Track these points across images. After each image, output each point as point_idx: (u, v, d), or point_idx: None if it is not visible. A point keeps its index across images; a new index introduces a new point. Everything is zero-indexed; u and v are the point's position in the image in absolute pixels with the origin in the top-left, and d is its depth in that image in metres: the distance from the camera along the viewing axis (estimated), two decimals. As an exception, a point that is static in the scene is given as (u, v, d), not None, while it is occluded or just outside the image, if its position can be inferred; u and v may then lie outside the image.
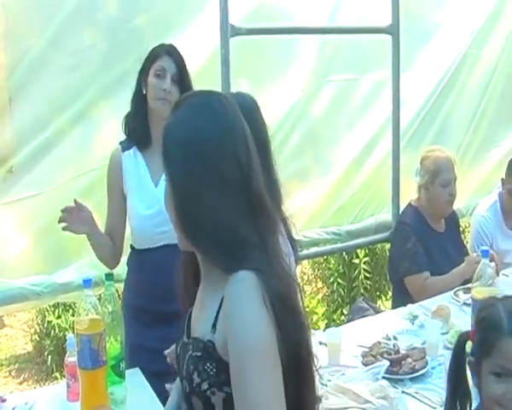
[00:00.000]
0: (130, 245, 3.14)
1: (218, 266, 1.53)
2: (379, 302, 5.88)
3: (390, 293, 5.71)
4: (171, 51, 2.99)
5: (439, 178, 3.92)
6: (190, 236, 1.55)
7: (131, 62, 3.69)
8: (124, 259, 3.20)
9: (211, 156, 1.52)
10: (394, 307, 3.95)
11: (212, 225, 1.50)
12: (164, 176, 2.88)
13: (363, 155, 4.62)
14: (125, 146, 3.06)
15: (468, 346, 1.99)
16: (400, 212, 4.30)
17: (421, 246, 3.88)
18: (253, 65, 4.17)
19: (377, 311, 3.91)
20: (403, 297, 3.83)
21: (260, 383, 1.41)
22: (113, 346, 2.51)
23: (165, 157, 1.58)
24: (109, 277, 2.54)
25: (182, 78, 2.96)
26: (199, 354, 1.54)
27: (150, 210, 2.95)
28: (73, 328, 2.49)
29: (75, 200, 2.93)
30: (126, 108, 3.62)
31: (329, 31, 4.36)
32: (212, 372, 1.50)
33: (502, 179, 4.30)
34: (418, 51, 4.72)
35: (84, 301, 2.41)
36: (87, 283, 2.42)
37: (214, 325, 1.51)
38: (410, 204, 4.10)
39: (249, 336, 1.44)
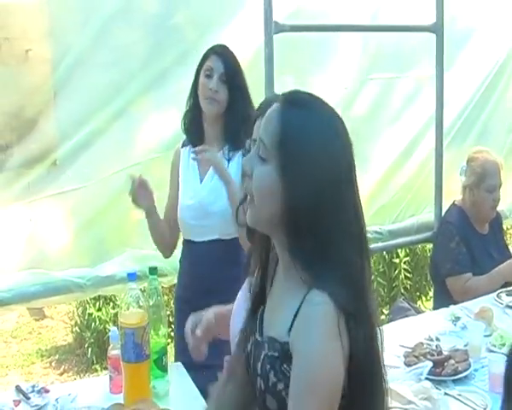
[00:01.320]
0: (183, 241, 3.24)
1: (306, 273, 1.49)
2: (419, 303, 5.84)
3: (430, 293, 5.69)
4: (219, 51, 3.03)
5: (485, 183, 3.87)
6: (295, 237, 1.49)
7: (171, 60, 3.76)
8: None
9: (341, 183, 1.49)
10: (436, 307, 3.91)
11: (326, 242, 1.47)
12: (210, 172, 2.96)
13: (405, 154, 4.59)
14: (185, 142, 3.18)
15: None
16: (444, 211, 4.25)
17: (464, 246, 3.83)
18: (296, 62, 4.17)
19: (418, 311, 3.87)
20: (444, 298, 3.79)
21: None
22: (156, 340, 2.53)
23: (283, 152, 1.49)
24: (153, 271, 2.56)
25: (231, 77, 2.99)
26: (276, 354, 1.52)
27: (190, 202, 3.08)
28: (116, 321, 2.51)
29: (140, 176, 3.00)
30: (167, 104, 3.69)
31: (373, 28, 4.35)
32: (288, 374, 1.48)
33: None
34: (461, 50, 4.67)
35: (129, 295, 2.43)
36: (132, 276, 2.44)
37: (290, 329, 1.49)
38: (454, 204, 4.05)
39: (311, 367, 1.44)
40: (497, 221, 4.10)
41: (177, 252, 3.39)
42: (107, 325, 5.20)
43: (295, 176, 1.47)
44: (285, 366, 1.49)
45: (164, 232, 3.19)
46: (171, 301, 5.40)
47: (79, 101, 3.62)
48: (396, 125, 4.56)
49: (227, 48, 3.07)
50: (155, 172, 3.74)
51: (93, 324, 5.33)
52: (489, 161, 3.91)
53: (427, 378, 2.64)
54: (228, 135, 3.03)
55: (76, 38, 3.59)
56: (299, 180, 1.46)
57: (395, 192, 4.60)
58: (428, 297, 5.85)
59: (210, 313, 2.31)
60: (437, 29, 4.19)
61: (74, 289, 3.59)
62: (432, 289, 5.35)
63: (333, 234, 1.46)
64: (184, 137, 3.19)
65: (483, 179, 3.87)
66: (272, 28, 3.68)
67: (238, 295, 2.42)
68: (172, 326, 3.54)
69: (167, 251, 3.29)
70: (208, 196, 3.02)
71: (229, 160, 3.01)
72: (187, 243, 3.18)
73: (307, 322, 1.45)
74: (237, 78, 3.01)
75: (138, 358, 2.39)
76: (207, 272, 3.04)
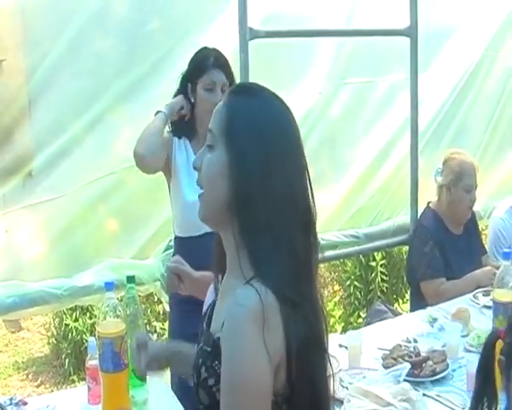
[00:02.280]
0: (174, 238, 3.20)
1: (248, 261, 1.48)
2: (396, 305, 5.86)
3: (407, 296, 5.71)
4: (219, 63, 3.06)
5: (462, 181, 3.90)
6: (239, 219, 1.49)
7: (147, 67, 3.73)
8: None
9: (283, 157, 1.50)
10: (412, 309, 3.95)
11: (267, 216, 1.46)
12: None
13: (381, 157, 4.62)
14: (175, 134, 3.17)
15: (498, 345, 1.97)
16: (419, 213, 4.28)
17: (438, 250, 3.85)
18: (271, 68, 4.17)
19: (396, 313, 3.90)
20: (421, 300, 3.83)
21: None
22: (135, 349, 2.52)
23: (229, 134, 1.50)
24: (131, 279, 2.54)
25: (231, 84, 3.04)
26: (209, 349, 1.52)
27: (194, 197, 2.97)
28: (93, 331, 2.50)
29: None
30: (144, 112, 3.66)
31: (347, 33, 4.37)
32: (219, 371, 1.47)
33: None
34: (435, 53, 4.71)
35: (106, 304, 2.41)
36: (109, 285, 2.43)
37: (222, 325, 1.47)
38: (428, 206, 4.08)
39: (231, 370, 1.42)
40: (471, 222, 4.12)
41: (153, 260, 3.38)
42: (84, 336, 5.17)
43: (241, 153, 1.49)
44: (216, 362, 1.48)
45: None
46: (149, 310, 5.41)
47: (54, 110, 3.59)
48: (371, 128, 4.58)
49: (221, 53, 3.10)
50: (131, 181, 3.74)
51: (70, 334, 5.29)
52: (466, 162, 3.96)
53: (405, 380, 2.65)
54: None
55: (50, 46, 3.56)
56: (245, 157, 1.48)
57: (371, 195, 4.62)
58: (405, 300, 5.87)
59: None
60: (411, 33, 4.22)
61: (51, 299, 3.55)
62: (408, 292, 5.40)
63: (279, 210, 1.47)
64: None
65: (461, 178, 3.90)
66: (247, 34, 3.69)
67: (210, 287, 2.43)
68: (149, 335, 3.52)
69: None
70: None
71: None
72: (184, 240, 3.14)
73: (230, 322, 1.43)
74: (235, 82, 3.08)
75: (117, 367, 2.38)
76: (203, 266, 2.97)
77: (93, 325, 5.01)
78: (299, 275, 1.47)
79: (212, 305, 1.68)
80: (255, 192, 1.46)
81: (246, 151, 1.48)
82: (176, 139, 3.16)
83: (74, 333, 5.25)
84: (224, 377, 1.43)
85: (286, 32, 4.04)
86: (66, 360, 5.28)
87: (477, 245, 4.12)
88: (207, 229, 2.86)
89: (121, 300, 2.68)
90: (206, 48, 3.16)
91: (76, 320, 5.27)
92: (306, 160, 1.56)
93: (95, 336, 2.49)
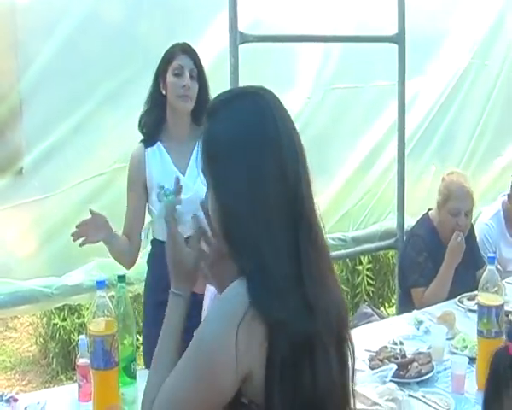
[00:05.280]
0: (152, 241, 3.17)
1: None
2: (381, 309, 5.90)
3: (393, 300, 5.76)
4: (186, 49, 3.06)
5: (448, 204, 3.84)
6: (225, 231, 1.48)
7: (136, 69, 3.76)
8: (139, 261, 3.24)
9: (256, 161, 1.45)
10: (399, 312, 3.98)
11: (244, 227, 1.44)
12: (191, 164, 2.93)
13: (368, 162, 4.67)
14: (148, 143, 3.12)
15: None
16: (406, 217, 4.31)
17: (431, 261, 3.84)
18: (260, 73, 4.22)
19: (382, 316, 3.94)
20: (409, 304, 3.84)
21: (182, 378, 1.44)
22: (125, 347, 2.54)
23: (209, 167, 1.50)
24: (121, 279, 2.57)
25: (200, 73, 3.05)
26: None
27: (184, 196, 2.92)
28: (81, 331, 2.52)
29: (90, 209, 2.96)
30: (133, 113, 3.68)
31: (336, 39, 4.42)
32: None
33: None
34: (423, 60, 4.78)
35: (97, 303, 2.44)
36: (100, 284, 2.45)
37: None
38: (427, 214, 4.04)
39: (203, 331, 1.44)
40: (469, 236, 4.00)
41: (143, 260, 3.40)
42: (72, 335, 5.16)
43: (221, 186, 1.47)
44: None
45: (125, 248, 3.12)
46: (136, 311, 5.41)
47: (45, 110, 3.63)
48: (359, 133, 4.64)
49: (190, 45, 3.09)
50: (120, 182, 3.75)
51: (58, 334, 5.28)
52: (454, 183, 3.88)
53: (391, 381, 2.68)
54: (201, 127, 3.02)
55: (41, 47, 3.60)
56: (227, 188, 1.46)
57: (358, 199, 4.67)
58: (391, 303, 5.92)
59: None
60: (399, 39, 4.27)
61: (41, 298, 3.58)
62: (394, 296, 5.44)
63: (269, 228, 1.43)
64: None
65: (447, 200, 3.85)
66: (238, 38, 3.73)
67: (206, 298, 2.46)
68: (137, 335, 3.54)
69: (131, 263, 3.22)
70: (200, 189, 2.87)
71: None
72: (160, 242, 3.03)
73: (212, 307, 1.48)
74: (204, 72, 3.07)
75: (107, 365, 2.40)
76: None
77: (81, 324, 5.01)
78: (290, 287, 1.43)
79: None
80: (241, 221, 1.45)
81: (226, 183, 1.46)
82: (148, 152, 3.10)
83: (62, 333, 5.24)
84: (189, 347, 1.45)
85: (275, 36, 4.08)
86: (54, 360, 5.28)
87: (472, 260, 4.02)
88: (189, 233, 2.91)
89: (112, 299, 2.71)
90: (176, 42, 3.16)
91: (64, 320, 5.27)
92: (302, 159, 1.52)
93: (85, 334, 2.51)
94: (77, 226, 2.93)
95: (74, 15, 3.64)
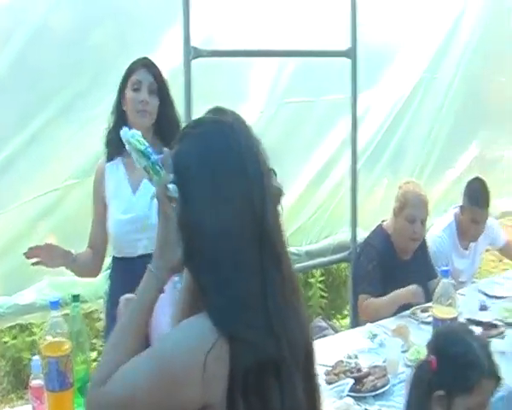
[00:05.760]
0: (112, 257, 3.16)
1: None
2: (334, 320, 5.93)
3: (345, 311, 5.80)
4: (146, 63, 3.04)
5: (405, 211, 3.92)
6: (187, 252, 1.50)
7: (88, 82, 3.72)
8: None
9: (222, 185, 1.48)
10: (353, 323, 4.01)
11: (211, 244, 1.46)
12: (144, 182, 2.91)
13: (321, 176, 4.69)
14: (109, 156, 3.10)
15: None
16: (359, 231, 4.34)
17: (381, 272, 3.88)
18: (214, 87, 4.21)
19: (336, 329, 3.96)
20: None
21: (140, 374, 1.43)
22: (80, 367, 2.51)
23: (176, 177, 1.51)
24: (76, 298, 2.55)
25: (160, 88, 3.02)
26: None
27: (126, 215, 2.98)
28: (32, 349, 2.48)
29: (46, 243, 2.94)
30: (86, 127, 3.64)
31: (289, 54, 4.43)
32: None
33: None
34: (376, 73, 4.84)
35: (51, 322, 2.41)
36: (54, 304, 2.42)
37: None
38: (381, 226, 4.09)
39: (166, 341, 1.47)
40: (421, 248, 4.11)
41: (96, 279, 3.37)
42: (23, 354, 5.08)
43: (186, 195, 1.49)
44: None
45: (87, 265, 3.11)
46: (88, 328, 5.34)
47: (-3, 123, 3.57)
48: (312, 147, 4.66)
49: (151, 60, 3.07)
50: (74, 197, 3.72)
51: (8, 352, 5.20)
52: (412, 192, 3.97)
53: (348, 395, 2.70)
54: (164, 143, 3.00)
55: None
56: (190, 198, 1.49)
57: (312, 213, 4.68)
58: (343, 315, 5.95)
59: None
60: (351, 54, 4.31)
61: (-7, 317, 3.52)
62: (347, 307, 5.49)
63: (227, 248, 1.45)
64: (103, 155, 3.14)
65: (404, 207, 3.93)
66: (191, 53, 3.72)
67: (161, 295, 2.43)
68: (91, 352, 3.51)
69: (95, 274, 3.23)
70: (145, 208, 2.88)
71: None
72: (119, 260, 3.10)
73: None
74: (165, 86, 3.04)
75: (62, 386, 2.37)
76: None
77: (32, 342, 4.93)
78: (251, 304, 1.44)
79: None
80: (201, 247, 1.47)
81: (191, 202, 1.49)
82: (107, 166, 3.10)
83: (13, 351, 5.16)
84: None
85: (229, 51, 4.09)
86: (5, 379, 5.18)
87: (425, 271, 4.09)
88: (142, 251, 2.91)
89: (66, 318, 2.68)
90: (138, 58, 3.14)
91: (14, 338, 5.18)
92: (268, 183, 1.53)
93: (37, 353, 2.48)
94: (30, 248, 2.88)
95: (26, 26, 3.57)
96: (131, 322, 1.54)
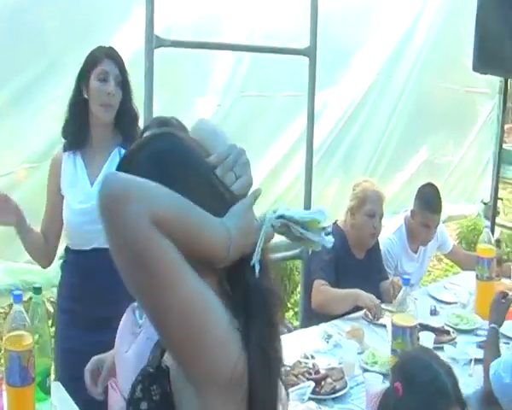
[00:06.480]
0: (65, 248, 3.12)
1: None
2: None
3: (289, 304, 5.82)
4: (111, 54, 2.98)
5: (365, 207, 3.99)
6: None
7: (45, 67, 3.66)
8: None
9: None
10: (303, 323, 4.03)
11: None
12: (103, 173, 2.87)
13: (277, 171, 4.70)
14: (67, 147, 3.04)
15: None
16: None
17: (336, 267, 3.92)
18: (173, 78, 4.18)
19: (289, 328, 3.96)
20: (312, 314, 3.91)
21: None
22: (41, 361, 2.46)
23: None
24: (37, 291, 2.48)
25: (124, 80, 2.98)
26: (151, 370, 1.42)
27: (83, 205, 2.94)
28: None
29: (1, 194, 2.87)
30: (42, 112, 3.56)
31: (250, 49, 4.39)
32: (154, 397, 1.38)
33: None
34: (334, 71, 4.87)
35: (13, 316, 2.35)
36: (17, 298, 2.37)
37: None
38: (336, 223, 4.11)
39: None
40: (374, 248, 4.19)
41: (50, 268, 3.31)
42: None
43: None
44: (154, 386, 1.38)
45: (40, 243, 3.05)
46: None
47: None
48: (268, 142, 4.67)
49: (115, 50, 3.02)
50: (29, 182, 3.65)
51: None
52: (370, 189, 4.07)
53: (310, 398, 2.72)
54: (124, 136, 2.98)
55: None
56: None
57: (266, 209, 4.67)
58: (292, 314, 5.93)
59: (110, 361, 2.40)
60: (310, 53, 4.30)
61: None
62: (291, 300, 5.53)
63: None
64: (62, 143, 3.07)
65: (364, 203, 4.00)
66: (154, 42, 3.66)
67: (123, 318, 2.42)
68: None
69: (46, 263, 3.17)
70: None
71: None
72: (73, 252, 3.06)
73: None
74: (128, 81, 3.01)
75: (24, 382, 2.32)
76: (100, 283, 2.87)
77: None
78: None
79: None
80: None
81: None
82: (64, 156, 3.04)
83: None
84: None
85: (191, 43, 4.02)
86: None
87: (377, 271, 4.17)
88: (97, 244, 2.88)
89: (27, 310, 2.62)
90: (100, 46, 3.07)
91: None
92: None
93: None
94: None
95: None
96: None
